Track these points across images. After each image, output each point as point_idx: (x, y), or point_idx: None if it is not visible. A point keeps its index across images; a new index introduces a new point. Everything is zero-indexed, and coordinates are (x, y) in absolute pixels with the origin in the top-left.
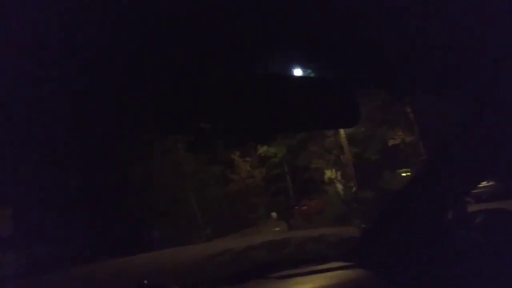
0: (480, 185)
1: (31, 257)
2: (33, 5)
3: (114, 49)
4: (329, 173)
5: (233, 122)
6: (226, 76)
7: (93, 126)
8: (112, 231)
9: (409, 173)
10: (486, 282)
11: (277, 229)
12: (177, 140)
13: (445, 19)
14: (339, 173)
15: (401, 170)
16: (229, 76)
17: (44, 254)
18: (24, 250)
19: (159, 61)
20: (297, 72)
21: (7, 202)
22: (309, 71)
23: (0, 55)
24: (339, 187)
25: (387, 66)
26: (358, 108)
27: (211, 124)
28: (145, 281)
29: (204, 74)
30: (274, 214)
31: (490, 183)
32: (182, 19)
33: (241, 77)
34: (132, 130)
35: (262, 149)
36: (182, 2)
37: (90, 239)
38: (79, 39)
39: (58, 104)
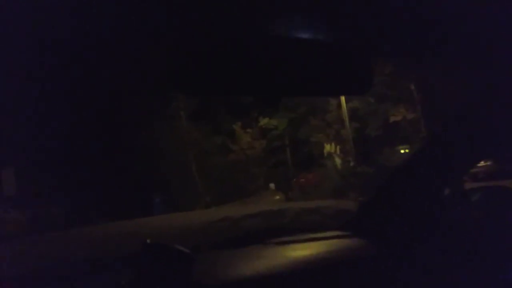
0: (477, 164)
1: (34, 216)
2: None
3: (122, 11)
4: (328, 147)
5: (240, 83)
6: (230, 38)
7: (98, 88)
8: (114, 194)
9: (408, 150)
10: (483, 257)
11: (277, 197)
12: (180, 108)
13: None
14: (338, 147)
15: (400, 147)
16: (234, 38)
17: (47, 214)
18: (27, 209)
19: (161, 24)
20: (304, 35)
21: (9, 161)
22: (315, 34)
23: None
24: (338, 161)
25: (399, 33)
26: (371, 74)
27: (218, 84)
28: (148, 241)
29: (207, 37)
30: (272, 185)
31: (487, 163)
32: None
33: (247, 38)
34: (136, 91)
35: (264, 121)
36: None
37: (92, 201)
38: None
39: (62, 66)
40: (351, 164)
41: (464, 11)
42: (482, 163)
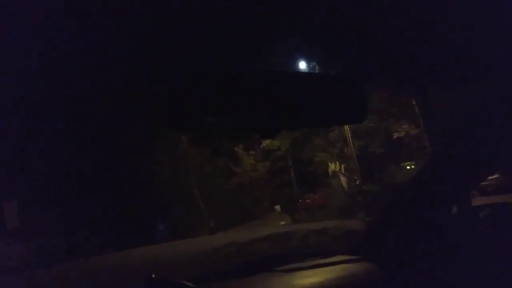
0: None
1: (38, 249)
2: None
3: (121, 47)
4: (333, 166)
5: (238, 118)
6: (232, 71)
7: (100, 120)
8: (118, 223)
9: (413, 166)
10: (491, 275)
11: (282, 223)
12: (182, 133)
13: (454, 18)
14: (343, 166)
15: (405, 163)
16: (235, 71)
17: (51, 246)
18: (31, 242)
19: (165, 57)
20: (302, 65)
21: (12, 194)
22: (314, 64)
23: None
24: (343, 180)
25: (396, 58)
26: (366, 104)
27: (216, 119)
28: (153, 275)
29: (210, 70)
30: (277, 207)
31: (495, 176)
32: (188, 15)
33: (248, 72)
34: (139, 125)
35: (266, 142)
36: None
37: (97, 231)
38: (87, 38)
39: (66, 98)
40: (357, 182)
41: (460, 29)
42: (490, 177)
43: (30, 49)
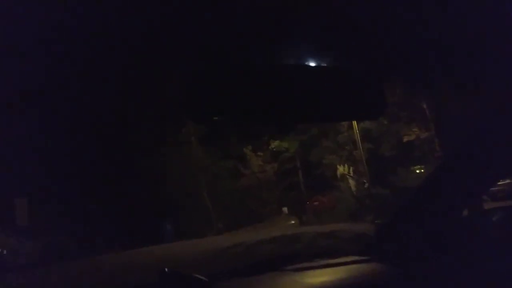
0: (496, 183)
1: (47, 247)
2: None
3: (130, 39)
4: (341, 169)
5: (252, 113)
6: (242, 67)
7: (110, 119)
8: (126, 223)
9: (423, 170)
10: (502, 278)
11: (291, 222)
12: (191, 133)
13: (467, 20)
14: (351, 169)
15: (415, 167)
16: (246, 67)
17: (60, 244)
18: (40, 240)
19: (174, 54)
20: (316, 63)
21: (23, 192)
22: (324, 64)
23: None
24: (352, 183)
25: (407, 60)
26: (384, 98)
27: (229, 114)
28: (166, 269)
29: (219, 66)
30: (285, 209)
31: (506, 182)
32: (199, 10)
33: (259, 67)
34: (148, 125)
35: (275, 144)
36: None
37: (105, 230)
38: (93, 28)
39: (73, 96)
40: (366, 185)
41: (472, 33)
42: (500, 182)
43: (30, 41)
